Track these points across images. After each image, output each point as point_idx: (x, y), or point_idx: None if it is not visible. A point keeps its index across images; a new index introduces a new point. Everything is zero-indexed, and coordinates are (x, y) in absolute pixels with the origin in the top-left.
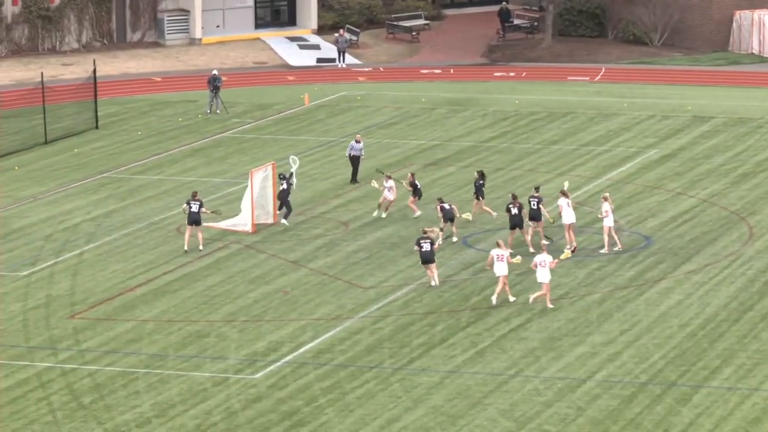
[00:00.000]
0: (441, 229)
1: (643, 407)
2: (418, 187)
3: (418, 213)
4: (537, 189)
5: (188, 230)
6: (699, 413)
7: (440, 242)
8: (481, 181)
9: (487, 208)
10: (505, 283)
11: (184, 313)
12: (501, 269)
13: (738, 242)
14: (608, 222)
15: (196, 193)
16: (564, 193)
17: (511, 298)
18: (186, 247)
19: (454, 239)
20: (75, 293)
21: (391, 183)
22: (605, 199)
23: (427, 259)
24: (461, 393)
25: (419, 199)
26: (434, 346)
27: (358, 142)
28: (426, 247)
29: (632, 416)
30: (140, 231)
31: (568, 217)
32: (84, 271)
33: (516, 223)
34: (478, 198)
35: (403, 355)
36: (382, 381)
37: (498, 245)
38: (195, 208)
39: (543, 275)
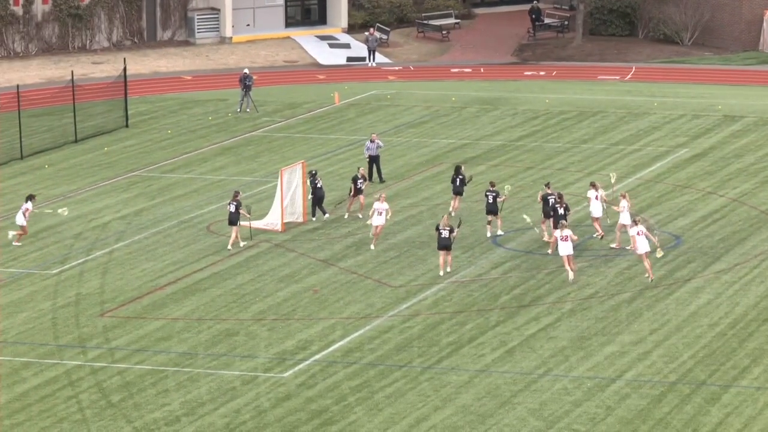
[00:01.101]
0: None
1: (673, 407)
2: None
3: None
4: (548, 185)
5: (231, 230)
6: (728, 413)
7: (456, 233)
8: (460, 177)
9: (455, 207)
10: (569, 261)
11: (213, 311)
12: (565, 249)
13: None
14: (624, 219)
15: (237, 193)
16: (594, 186)
17: (571, 276)
18: (229, 246)
19: (499, 233)
20: (105, 291)
21: (385, 206)
22: (623, 196)
23: (444, 245)
24: (490, 392)
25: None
26: (463, 345)
27: (372, 141)
28: (445, 234)
29: (661, 416)
30: (170, 229)
31: (596, 210)
32: (114, 269)
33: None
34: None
35: (432, 354)
36: (411, 380)
37: (561, 227)
38: (232, 208)
39: (642, 245)
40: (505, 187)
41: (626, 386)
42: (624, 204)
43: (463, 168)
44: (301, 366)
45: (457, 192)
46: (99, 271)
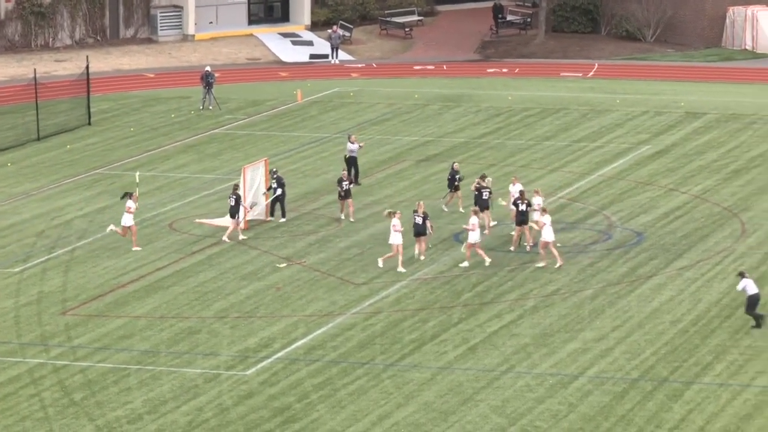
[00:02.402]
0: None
1: (635, 403)
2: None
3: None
4: (483, 177)
5: (230, 222)
6: (690, 409)
7: (430, 231)
8: (449, 176)
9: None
10: (474, 248)
11: (175, 309)
12: (473, 237)
13: (730, 238)
14: (537, 216)
15: (237, 186)
16: (516, 180)
17: (488, 260)
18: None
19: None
20: (67, 290)
21: (398, 222)
22: (537, 192)
23: (418, 231)
24: (453, 389)
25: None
26: (426, 342)
27: (352, 143)
28: (418, 221)
29: (624, 412)
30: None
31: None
32: (76, 267)
33: (522, 220)
34: (452, 190)
35: (395, 351)
36: (373, 377)
37: (474, 213)
38: (233, 201)
39: (548, 234)
40: (486, 179)
41: (589, 383)
42: (538, 200)
43: (455, 165)
44: (263, 364)
45: (449, 187)
46: (61, 269)
